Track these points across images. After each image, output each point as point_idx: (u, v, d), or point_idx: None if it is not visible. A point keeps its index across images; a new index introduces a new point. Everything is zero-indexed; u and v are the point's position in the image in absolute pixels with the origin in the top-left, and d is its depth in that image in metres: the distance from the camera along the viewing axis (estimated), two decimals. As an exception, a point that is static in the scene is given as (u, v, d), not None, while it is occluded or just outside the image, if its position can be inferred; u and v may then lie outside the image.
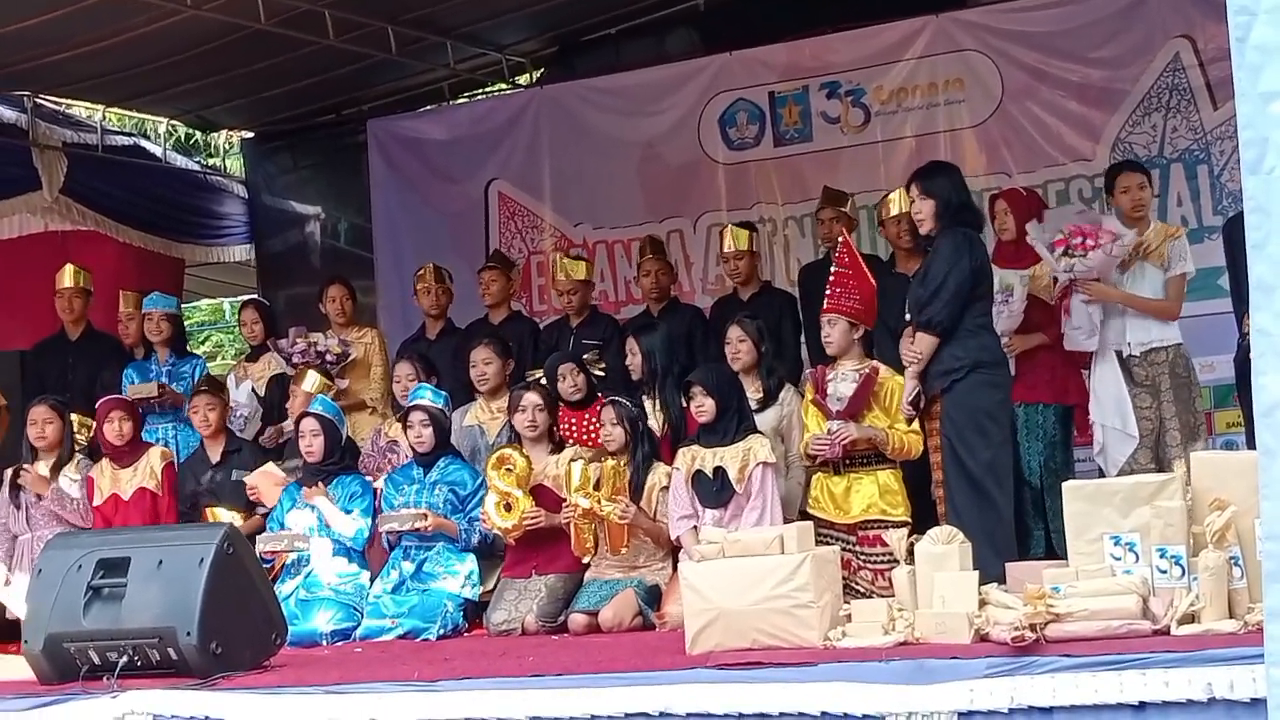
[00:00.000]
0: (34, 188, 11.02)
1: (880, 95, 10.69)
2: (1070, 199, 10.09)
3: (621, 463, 7.90)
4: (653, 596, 7.80)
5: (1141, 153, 9.75)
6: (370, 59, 11.34)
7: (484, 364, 9.02)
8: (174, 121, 12.76)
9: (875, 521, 7.46)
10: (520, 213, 11.78)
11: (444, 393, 8.72)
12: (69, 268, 10.43)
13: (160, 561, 6.76)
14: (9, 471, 9.27)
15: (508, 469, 8.08)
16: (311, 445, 8.59)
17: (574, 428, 8.61)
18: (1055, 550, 7.53)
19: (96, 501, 9.17)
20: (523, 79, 12.54)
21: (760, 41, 11.05)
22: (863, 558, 7.45)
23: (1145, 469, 7.55)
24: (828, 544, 7.11)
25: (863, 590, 7.27)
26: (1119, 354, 7.81)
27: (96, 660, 6.65)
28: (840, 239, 8.03)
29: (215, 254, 12.77)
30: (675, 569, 7.71)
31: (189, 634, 6.53)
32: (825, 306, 7.65)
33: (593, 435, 8.40)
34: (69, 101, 11.75)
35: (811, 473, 7.78)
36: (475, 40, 11.73)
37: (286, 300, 11.97)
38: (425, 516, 8.25)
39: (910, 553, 6.35)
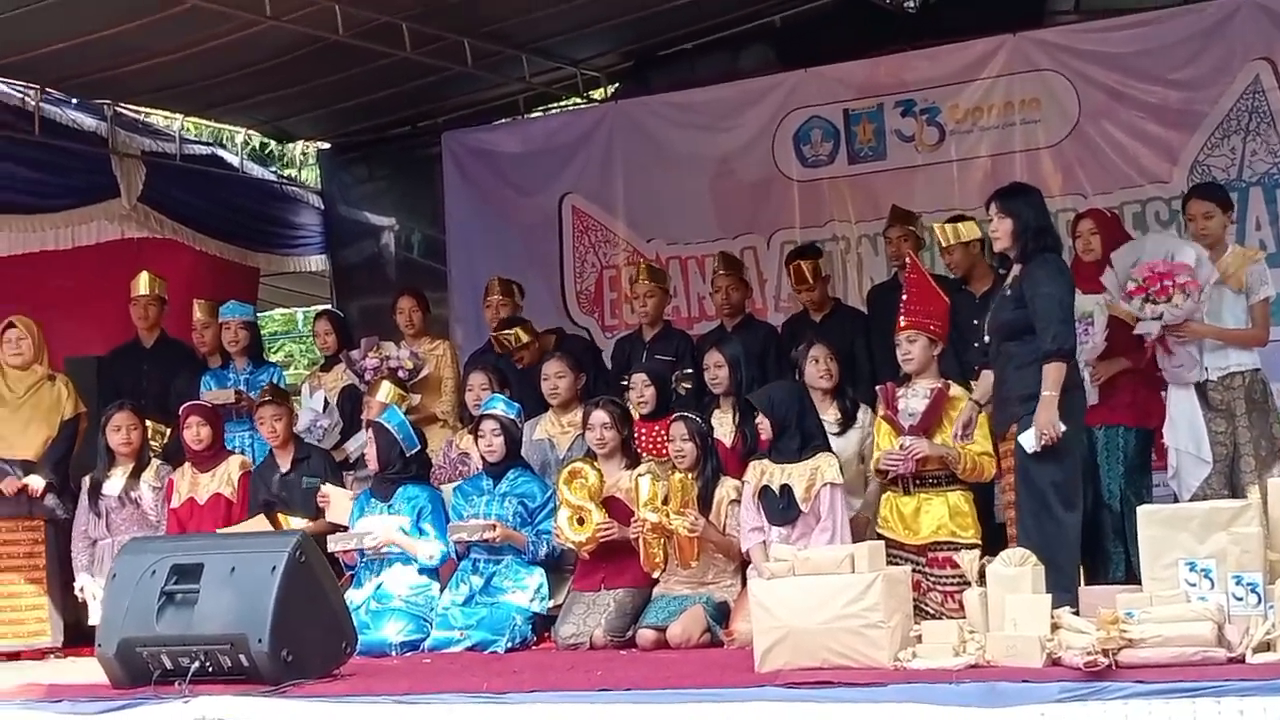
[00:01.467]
0: (113, 195, 11.11)
1: (955, 114, 10.63)
2: (1147, 221, 10.00)
3: (690, 477, 7.90)
4: (721, 613, 7.79)
5: (1220, 175, 9.66)
6: (446, 71, 11.39)
7: (556, 377, 9.04)
8: (251, 131, 12.86)
9: (945, 543, 7.42)
10: (594, 227, 11.80)
11: (516, 404, 8.74)
12: (144, 275, 10.53)
13: (233, 568, 6.82)
14: (87, 479, 9.35)
15: (580, 483, 8.10)
16: (492, 445, 8.57)
17: (644, 439, 8.62)
18: (1135, 574, 7.44)
19: (174, 504, 9.26)
20: (597, 93, 12.56)
21: (836, 59, 11.02)
22: (932, 579, 7.41)
23: (1219, 494, 7.48)
24: (897, 564, 7.08)
25: (932, 612, 7.22)
26: (1198, 377, 7.73)
27: (169, 665, 6.71)
28: (907, 258, 8.01)
29: (290, 264, 12.85)
30: (744, 585, 7.71)
31: (260, 641, 6.58)
32: (904, 324, 7.62)
33: (663, 448, 8.41)
34: (148, 110, 11.86)
35: (882, 491, 7.75)
36: (550, 54, 11.77)
37: (360, 311, 12.03)
38: (494, 527, 8.28)
39: (982, 575, 6.32)
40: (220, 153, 12.63)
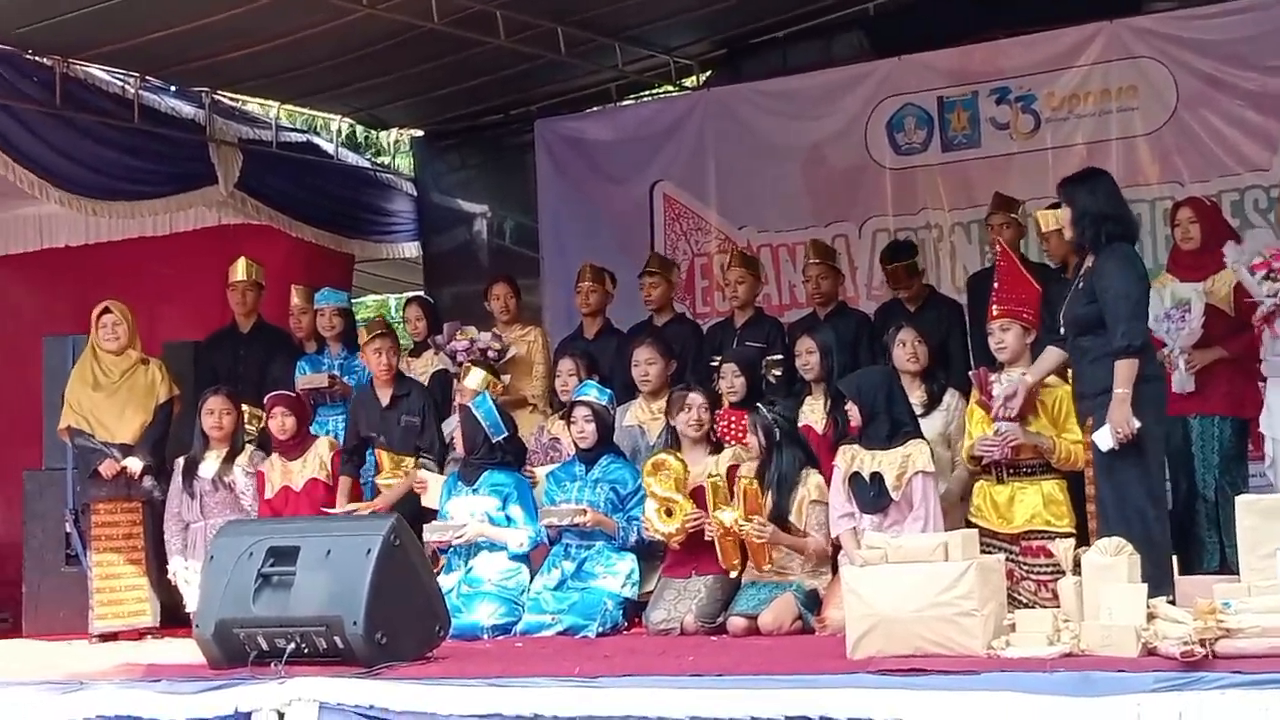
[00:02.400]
0: (210, 182, 11.22)
1: (1051, 101, 10.56)
2: (1245, 210, 9.90)
3: (755, 482, 7.85)
4: (812, 600, 7.78)
5: (1320, 163, 9.56)
6: (539, 59, 11.42)
7: (647, 364, 9.06)
8: (346, 119, 12.96)
9: (1039, 532, 7.37)
10: (685, 214, 11.81)
11: (609, 390, 8.77)
12: (242, 261, 10.64)
13: (329, 551, 6.89)
14: (181, 460, 9.46)
15: (666, 474, 8.10)
16: (584, 431, 8.59)
17: (734, 427, 8.61)
18: (1229, 564, 7.38)
19: (267, 495, 9.33)
20: (689, 81, 12.56)
21: (929, 46, 10.97)
22: (1025, 568, 7.37)
23: (1319, 485, 7.41)
24: (989, 553, 7.06)
25: (1025, 601, 7.18)
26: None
27: (265, 646, 6.79)
28: (998, 247, 7.95)
29: (384, 250, 12.94)
30: (835, 573, 7.69)
31: (355, 623, 6.64)
32: (997, 313, 7.58)
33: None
34: (245, 98, 11.97)
35: (974, 479, 7.71)
36: (643, 42, 11.78)
37: (452, 298, 12.09)
38: (585, 512, 8.31)
39: (1077, 564, 6.28)
40: (315, 140, 12.74)
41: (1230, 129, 10.05)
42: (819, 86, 11.34)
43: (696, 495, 8.13)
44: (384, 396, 9.44)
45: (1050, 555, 7.14)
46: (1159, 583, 6.33)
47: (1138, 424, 6.67)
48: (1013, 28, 10.85)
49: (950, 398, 8.18)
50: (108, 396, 9.48)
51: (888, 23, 11.44)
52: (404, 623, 6.85)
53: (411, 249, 13.09)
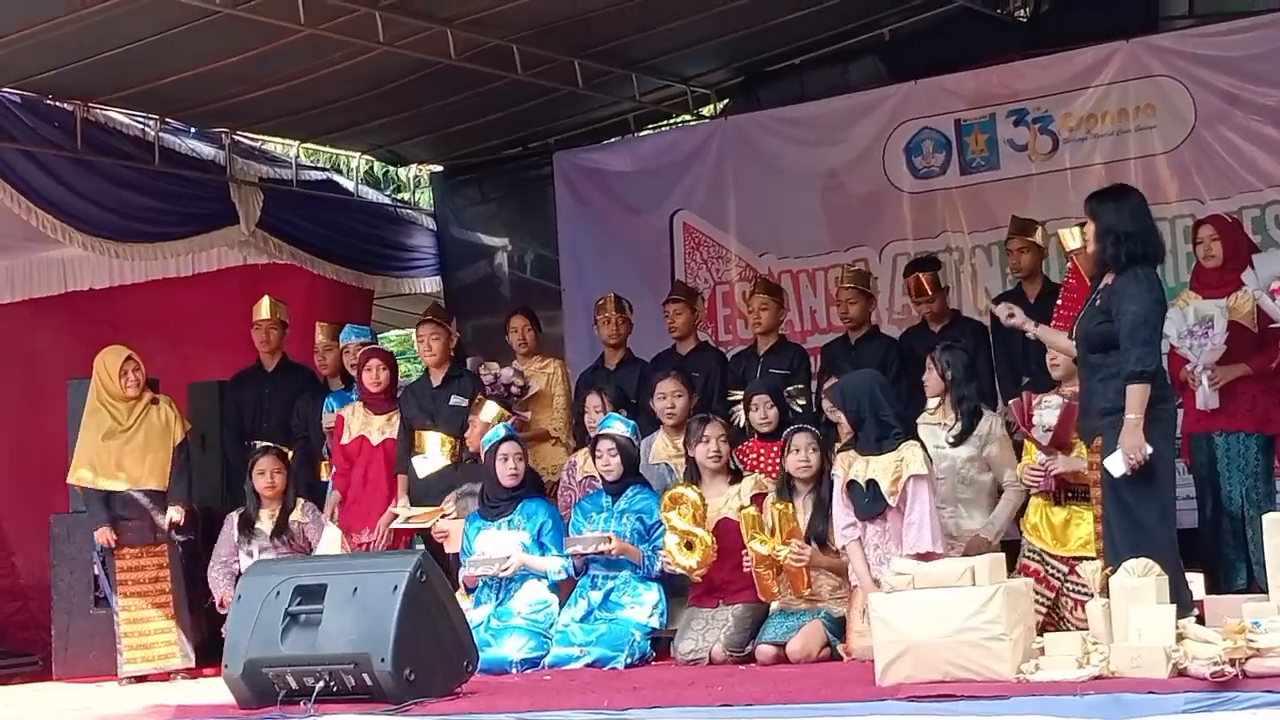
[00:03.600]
0: (231, 222, 11.26)
1: (1069, 122, 10.55)
2: (1267, 226, 9.87)
3: (790, 507, 7.82)
4: (840, 627, 7.76)
5: (1340, 178, 9.53)
6: (557, 92, 11.46)
7: (674, 396, 9.03)
8: (366, 156, 13.00)
9: (1090, 558, 7.26)
10: (705, 243, 11.82)
11: (632, 421, 8.77)
12: (266, 300, 10.69)
13: (355, 588, 6.89)
14: (236, 515, 9.48)
15: (685, 508, 8.08)
16: (609, 464, 8.60)
17: (762, 459, 8.61)
18: (1258, 583, 7.35)
19: (344, 440, 9.55)
20: (707, 110, 12.58)
21: (946, 70, 10.97)
22: (1073, 590, 7.39)
23: (1349, 502, 7.37)
24: (1040, 570, 7.26)
25: (1074, 626, 7.19)
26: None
27: (294, 685, 6.80)
28: (1069, 262, 7.94)
29: (405, 285, 12.96)
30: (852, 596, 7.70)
31: (383, 660, 6.65)
32: (1057, 328, 7.54)
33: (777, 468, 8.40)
34: (265, 138, 12.02)
35: (1033, 498, 7.73)
36: (660, 72, 11.81)
37: (474, 331, 12.10)
38: (609, 539, 8.32)
39: (1105, 586, 6.26)
40: (335, 178, 12.78)
41: (1249, 145, 10.02)
42: (836, 112, 11.35)
43: (718, 527, 8.11)
44: (436, 378, 9.65)
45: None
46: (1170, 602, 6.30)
47: (1149, 450, 6.62)
48: (1028, 49, 10.87)
49: (984, 423, 8.13)
50: (126, 443, 9.50)
51: (904, 47, 11.46)
52: (432, 659, 6.86)
53: (432, 283, 13.10)
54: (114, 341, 9.84)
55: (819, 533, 7.88)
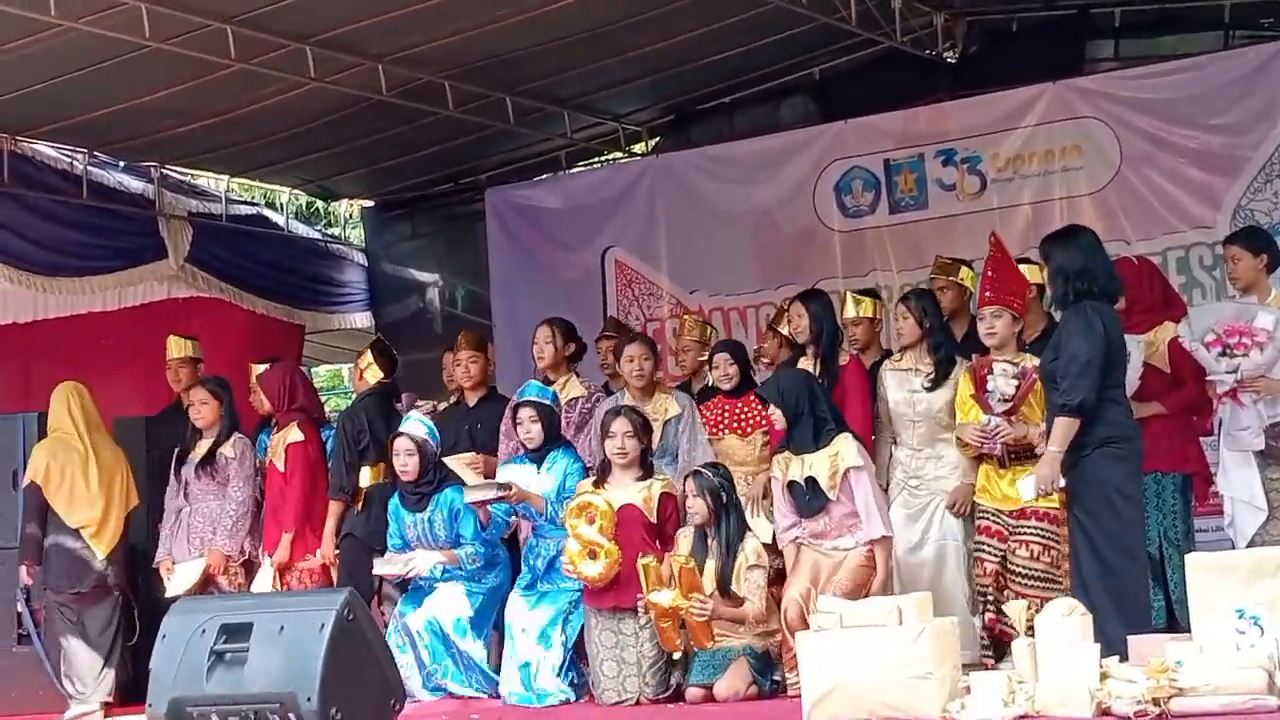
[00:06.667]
0: (160, 256, 11.23)
1: (996, 162, 10.66)
2: (1190, 267, 10.00)
3: (689, 560, 7.74)
4: (763, 662, 7.75)
5: (1263, 220, 9.62)
6: (488, 129, 11.49)
7: (642, 359, 8.80)
8: (296, 191, 12.98)
9: (1037, 511, 7.46)
10: (637, 280, 11.85)
11: (550, 388, 8.74)
12: (171, 339, 10.38)
13: (282, 627, 6.81)
14: (176, 452, 9.50)
15: (589, 519, 8.04)
16: (406, 465, 8.59)
17: (727, 415, 8.66)
18: (1177, 621, 7.41)
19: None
20: (638, 147, 12.64)
21: (875, 110, 11.07)
22: (1022, 534, 7.51)
23: (1276, 541, 7.42)
24: (991, 528, 7.55)
25: (1018, 569, 7.45)
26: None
27: (219, 724, 6.72)
28: (991, 238, 8.04)
29: (336, 321, 12.94)
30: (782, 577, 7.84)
31: (309, 700, 6.56)
32: (986, 299, 7.70)
33: (745, 423, 8.55)
34: (194, 172, 11.98)
35: (973, 462, 7.82)
36: (591, 110, 11.86)
37: (406, 367, 12.05)
38: (510, 487, 8.30)
39: (1030, 626, 6.30)
40: (266, 212, 12.75)
41: (1174, 187, 10.15)
42: (766, 151, 11.42)
43: (623, 515, 8.01)
44: (471, 399, 9.47)
45: (1042, 519, 7.28)
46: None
47: (1062, 483, 6.83)
48: (957, 91, 10.97)
49: (958, 370, 8.14)
50: (103, 495, 9.51)
51: (833, 87, 11.57)
52: (359, 698, 6.78)
53: (363, 319, 13.09)
54: (40, 376, 9.77)
55: (725, 579, 7.81)
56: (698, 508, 7.89)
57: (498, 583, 8.63)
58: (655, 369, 9.00)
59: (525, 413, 8.53)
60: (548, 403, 8.61)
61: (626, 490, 8.14)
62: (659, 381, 9.11)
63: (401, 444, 8.59)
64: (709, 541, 7.91)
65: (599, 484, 8.16)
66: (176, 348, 10.43)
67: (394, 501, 8.75)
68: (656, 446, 8.54)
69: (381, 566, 8.62)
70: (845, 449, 7.66)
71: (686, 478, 8.04)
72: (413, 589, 8.66)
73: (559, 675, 8.15)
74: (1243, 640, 5.77)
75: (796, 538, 7.78)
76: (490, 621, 8.59)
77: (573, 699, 8.10)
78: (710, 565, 7.84)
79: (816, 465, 7.68)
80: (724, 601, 7.76)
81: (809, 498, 7.69)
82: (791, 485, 7.75)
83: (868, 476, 7.68)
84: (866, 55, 11.35)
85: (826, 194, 11.15)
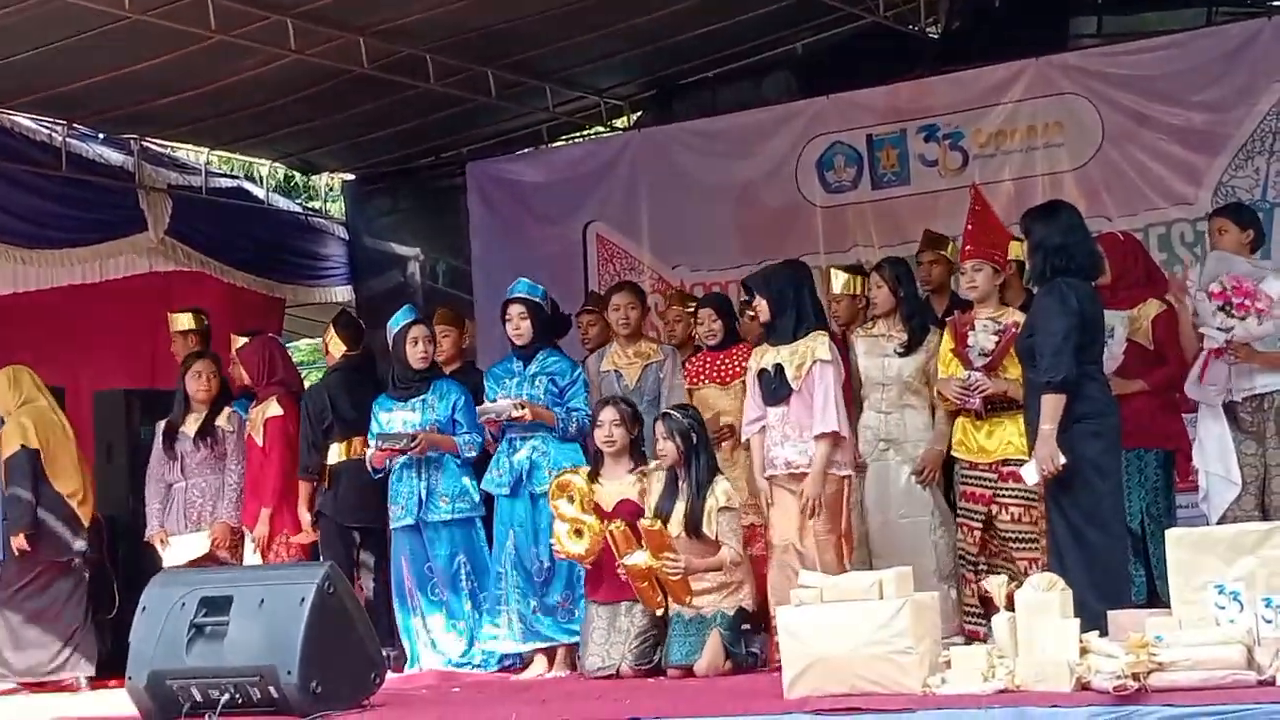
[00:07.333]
0: (140, 229, 11.19)
1: (979, 138, 10.66)
2: (1172, 243, 10.02)
3: (659, 522, 7.76)
4: (736, 627, 7.76)
5: (1245, 197, 9.63)
6: (470, 102, 11.45)
7: (627, 308, 8.95)
8: (277, 164, 12.93)
9: (1015, 460, 7.45)
10: (619, 255, 11.83)
11: (541, 287, 8.73)
12: (185, 315, 10.36)
13: (262, 600, 6.82)
14: (162, 424, 9.47)
15: (570, 497, 8.05)
16: (519, 328, 8.54)
17: (708, 366, 8.70)
18: (1158, 596, 7.43)
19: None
20: (620, 122, 12.62)
21: (858, 85, 11.05)
22: (1004, 496, 7.58)
23: (1250, 516, 7.45)
24: (970, 483, 7.67)
25: (1003, 531, 7.58)
26: (1224, 400, 7.71)
27: (198, 697, 6.72)
28: (972, 189, 8.05)
29: (316, 294, 12.91)
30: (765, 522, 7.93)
31: (290, 673, 6.58)
32: (967, 252, 7.74)
33: (725, 373, 8.58)
34: (175, 145, 11.94)
35: (951, 416, 7.87)
36: (574, 84, 11.83)
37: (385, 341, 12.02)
38: (523, 405, 8.31)
39: (1010, 600, 6.30)
40: (247, 185, 12.70)
41: (1156, 164, 10.16)
42: (748, 126, 11.40)
43: (620, 509, 8.02)
44: (446, 373, 9.30)
45: (1021, 480, 7.22)
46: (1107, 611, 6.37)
47: (1063, 460, 6.76)
48: (940, 67, 10.96)
49: (933, 337, 8.18)
50: (82, 465, 9.56)
51: (816, 63, 11.55)
52: (339, 671, 6.80)
53: (344, 293, 13.06)
54: (18, 348, 9.73)
55: (695, 521, 7.81)
56: (668, 450, 7.89)
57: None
58: (642, 317, 9.05)
59: (515, 309, 8.54)
60: (538, 300, 8.61)
61: (621, 483, 8.14)
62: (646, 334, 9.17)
63: (515, 309, 8.52)
64: (679, 483, 7.91)
65: (593, 478, 8.15)
66: (191, 321, 10.31)
67: (494, 369, 8.76)
68: (635, 387, 8.58)
69: (380, 442, 8.62)
70: (819, 344, 7.69)
71: (656, 420, 8.06)
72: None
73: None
74: (1222, 615, 5.78)
75: (760, 428, 7.78)
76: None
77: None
78: (679, 506, 7.85)
79: (786, 355, 7.72)
80: (696, 548, 7.77)
81: (774, 386, 7.71)
82: (761, 374, 7.79)
83: (833, 372, 7.67)
84: (849, 30, 11.35)
85: (809, 169, 11.14)
